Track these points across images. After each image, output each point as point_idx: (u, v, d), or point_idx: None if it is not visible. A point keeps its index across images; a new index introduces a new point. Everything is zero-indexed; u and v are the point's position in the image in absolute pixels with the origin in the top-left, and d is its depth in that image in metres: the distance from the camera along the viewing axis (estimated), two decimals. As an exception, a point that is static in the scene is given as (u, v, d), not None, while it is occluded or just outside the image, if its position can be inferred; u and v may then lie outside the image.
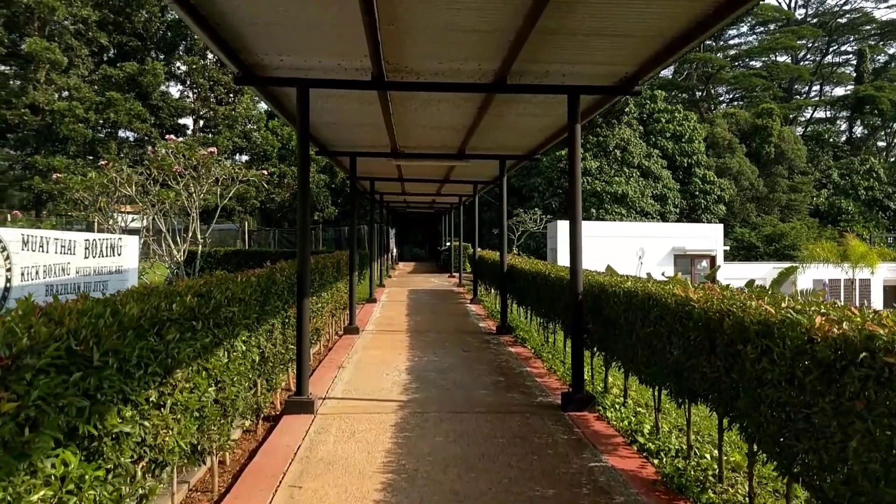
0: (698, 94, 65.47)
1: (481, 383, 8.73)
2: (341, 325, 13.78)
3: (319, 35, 6.54)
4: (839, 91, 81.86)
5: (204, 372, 4.36)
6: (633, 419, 6.86)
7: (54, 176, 20.91)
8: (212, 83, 45.42)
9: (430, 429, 6.53)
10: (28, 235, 10.57)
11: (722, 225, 34.38)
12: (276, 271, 6.98)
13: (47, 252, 11.04)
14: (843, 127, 76.65)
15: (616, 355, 7.06)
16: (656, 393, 6.20)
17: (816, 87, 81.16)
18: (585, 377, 8.12)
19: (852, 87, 73.37)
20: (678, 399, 5.45)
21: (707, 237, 31.53)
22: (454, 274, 30.11)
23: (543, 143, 12.41)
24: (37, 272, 10.74)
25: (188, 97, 47.44)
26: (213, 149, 17.59)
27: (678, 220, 45.05)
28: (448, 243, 34.21)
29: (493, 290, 19.50)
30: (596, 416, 7.16)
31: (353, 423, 6.68)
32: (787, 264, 37.89)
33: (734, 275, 32.16)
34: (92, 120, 36.68)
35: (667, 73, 75.63)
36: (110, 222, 19.11)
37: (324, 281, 10.10)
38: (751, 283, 18.27)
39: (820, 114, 79.22)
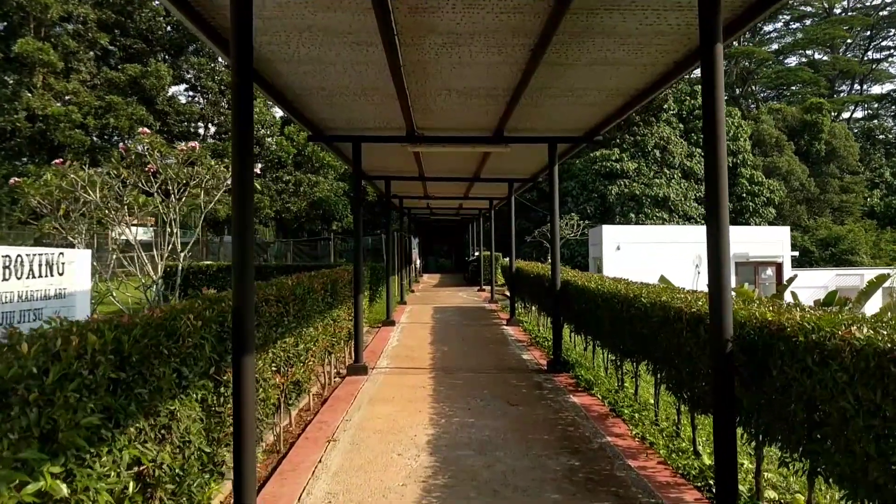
0: (737, 90, 61.75)
1: (546, 474, 5.51)
2: (345, 361, 10.66)
3: None
4: (876, 89, 77.70)
5: None
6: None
7: (11, 181, 18.05)
8: (222, 87, 42.81)
9: None
10: None
11: (788, 228, 30.79)
12: (188, 310, 3.85)
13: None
14: (891, 124, 72.36)
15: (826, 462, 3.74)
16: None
17: (856, 87, 76.83)
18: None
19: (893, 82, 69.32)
20: None
21: (772, 242, 27.98)
22: (484, 287, 26.88)
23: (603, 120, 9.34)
24: None
25: (199, 102, 44.88)
26: (195, 144, 14.58)
27: (725, 225, 41.38)
28: (476, 253, 30.99)
29: (533, 308, 16.28)
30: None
31: None
32: (851, 270, 34.19)
33: (797, 284, 28.64)
34: (91, 126, 34.09)
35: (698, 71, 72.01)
36: (115, 234, 16.19)
37: (306, 312, 6.97)
38: (832, 295, 15.00)
39: (859, 113, 75.06)
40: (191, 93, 47.02)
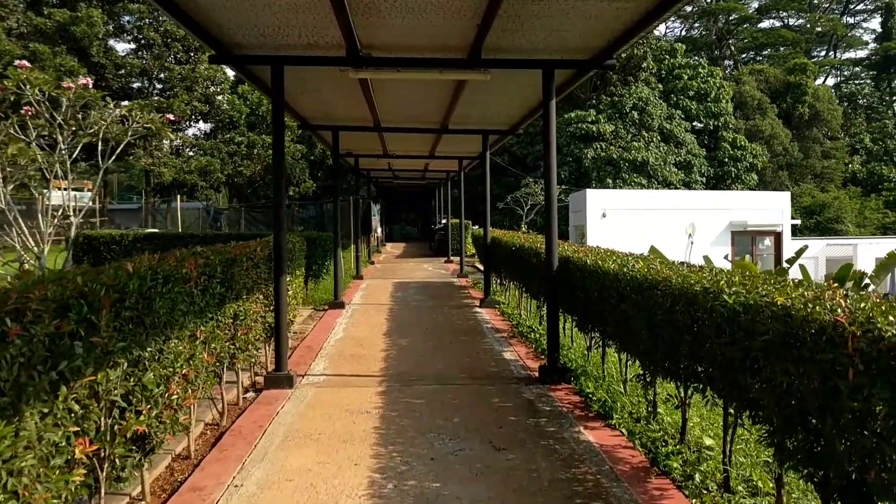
0: (716, 51, 59.27)
1: None
2: (267, 365, 7.93)
3: None
4: (849, 56, 75.59)
5: None
6: None
7: None
8: (167, 39, 39.03)
9: None
10: None
11: (788, 194, 28.39)
12: None
13: None
14: (866, 91, 70.48)
15: None
16: None
17: (830, 54, 74.62)
18: None
19: (865, 50, 67.50)
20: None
21: (771, 209, 25.48)
22: (452, 259, 24.09)
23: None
24: None
25: (143, 56, 40.99)
26: (88, 80, 11.50)
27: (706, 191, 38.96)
28: (444, 221, 28.17)
29: (512, 285, 13.62)
30: None
31: None
32: (842, 240, 32.12)
33: (788, 254, 26.38)
34: (12, 80, 30.24)
35: (675, 25, 69.46)
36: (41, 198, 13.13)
37: (159, 318, 4.13)
38: (846, 268, 12.64)
39: (831, 81, 72.98)
40: (133, 46, 43.15)
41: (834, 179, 49.09)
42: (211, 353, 5.34)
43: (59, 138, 11.75)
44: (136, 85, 41.71)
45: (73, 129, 11.51)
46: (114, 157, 12.38)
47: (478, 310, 12.78)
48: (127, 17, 39.41)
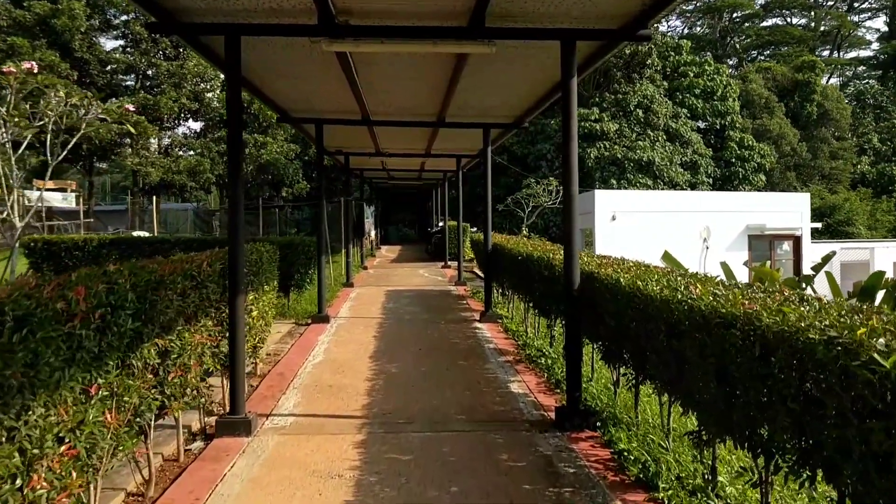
0: (720, 50, 57.89)
1: None
2: (225, 403, 6.55)
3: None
4: (851, 55, 74.12)
5: None
6: None
7: None
8: (154, 35, 37.59)
9: None
10: None
11: (808, 195, 26.93)
12: None
13: None
14: (875, 90, 69.08)
15: None
16: None
17: (834, 53, 73.25)
18: None
19: (868, 50, 66.19)
20: None
21: (790, 211, 23.99)
22: (450, 264, 22.65)
23: None
24: None
25: (129, 51, 39.49)
26: (31, 64, 10.07)
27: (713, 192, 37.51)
28: (441, 223, 26.73)
29: (514, 296, 12.22)
30: None
31: None
32: (857, 244, 30.73)
33: (808, 259, 24.96)
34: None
35: (677, 23, 68.06)
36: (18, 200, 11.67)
37: (81, 353, 2.74)
38: (877, 276, 11.16)
39: (834, 81, 71.48)
40: (121, 42, 41.73)
41: (842, 181, 47.72)
42: (122, 408, 3.93)
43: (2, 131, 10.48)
44: (128, 83, 40.28)
45: (16, 119, 10.12)
46: (64, 153, 10.96)
47: (478, 325, 11.37)
48: (112, 11, 37.96)
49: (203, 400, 5.92)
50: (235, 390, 5.90)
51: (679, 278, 4.88)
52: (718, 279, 4.78)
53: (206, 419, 6.19)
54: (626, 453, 5.07)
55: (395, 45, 6.03)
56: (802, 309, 3.32)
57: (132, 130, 12.14)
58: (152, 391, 4.43)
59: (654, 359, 4.82)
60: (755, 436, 3.52)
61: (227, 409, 6.01)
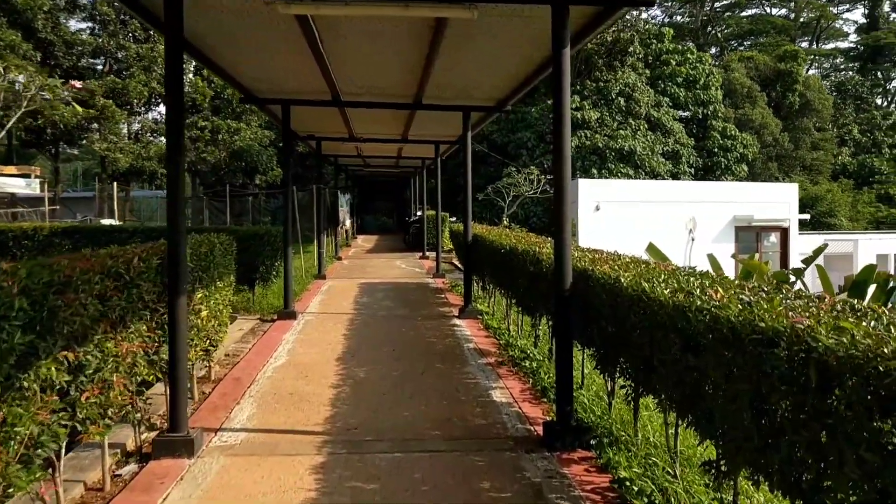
0: (702, 39, 57.42)
1: None
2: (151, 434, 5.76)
3: None
4: (828, 47, 73.99)
5: None
6: None
7: None
8: (122, 15, 36.27)
9: None
10: None
11: (796, 186, 26.41)
12: None
13: None
14: (855, 80, 69.09)
15: None
16: None
17: (813, 45, 73.14)
18: None
19: (846, 42, 66.13)
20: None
21: (778, 202, 23.45)
22: (428, 255, 21.86)
23: None
24: None
25: (97, 34, 38.13)
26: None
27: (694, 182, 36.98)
28: (419, 213, 25.92)
29: (495, 291, 11.48)
30: None
31: None
32: (842, 236, 30.40)
33: (795, 252, 24.50)
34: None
35: (656, 12, 67.48)
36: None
37: None
38: (868, 270, 10.60)
39: (813, 72, 71.42)
40: (90, 24, 40.35)
41: (823, 171, 47.51)
42: (10, 440, 3.14)
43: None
44: (98, 66, 38.87)
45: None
46: (4, 130, 10.05)
47: (457, 322, 10.63)
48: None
49: (139, 415, 5.13)
50: (176, 404, 5.11)
51: (691, 279, 4.16)
52: (736, 281, 4.06)
53: (146, 435, 5.40)
54: (628, 483, 4.35)
55: (361, 7, 5.23)
56: (865, 324, 2.61)
57: (77, 109, 11.21)
58: (58, 416, 3.64)
59: (662, 372, 4.09)
60: (802, 482, 2.80)
61: (168, 424, 5.22)
